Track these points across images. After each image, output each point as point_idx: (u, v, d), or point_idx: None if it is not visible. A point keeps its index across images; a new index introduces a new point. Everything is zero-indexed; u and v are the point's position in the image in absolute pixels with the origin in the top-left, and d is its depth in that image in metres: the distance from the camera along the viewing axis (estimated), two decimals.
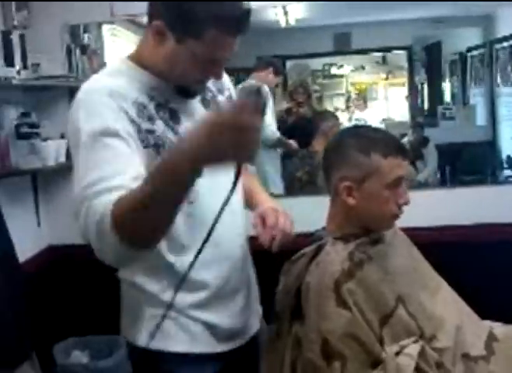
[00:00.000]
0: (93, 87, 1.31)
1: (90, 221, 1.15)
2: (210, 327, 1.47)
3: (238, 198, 1.50)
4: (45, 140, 2.46)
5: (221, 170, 1.09)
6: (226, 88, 1.56)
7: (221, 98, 1.53)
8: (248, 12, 1.28)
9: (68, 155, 2.53)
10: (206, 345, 1.47)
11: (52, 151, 2.45)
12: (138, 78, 1.35)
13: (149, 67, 1.35)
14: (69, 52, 2.69)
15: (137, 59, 1.37)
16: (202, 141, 1.02)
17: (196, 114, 1.42)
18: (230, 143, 1.01)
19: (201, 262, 1.20)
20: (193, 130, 1.08)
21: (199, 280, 1.42)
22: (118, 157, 1.22)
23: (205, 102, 1.47)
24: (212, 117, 1.06)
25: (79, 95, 1.30)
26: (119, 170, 1.19)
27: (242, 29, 1.29)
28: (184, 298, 1.41)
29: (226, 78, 1.55)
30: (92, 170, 1.20)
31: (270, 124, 3.19)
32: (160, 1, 1.30)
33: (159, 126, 1.33)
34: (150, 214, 1.11)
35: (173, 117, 1.37)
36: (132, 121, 1.29)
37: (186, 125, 1.38)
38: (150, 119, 1.32)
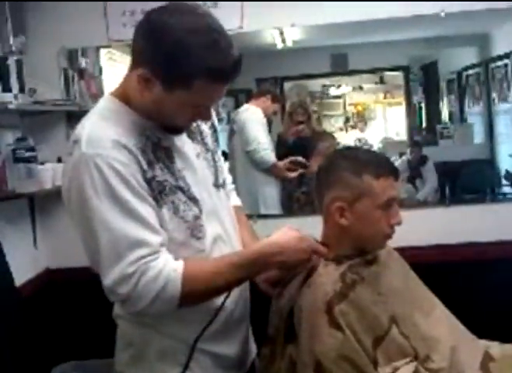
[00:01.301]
0: (96, 139, 1.24)
1: (148, 287, 1.21)
2: (219, 358, 1.44)
3: (236, 231, 1.54)
4: (42, 163, 2.47)
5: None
6: None
7: (204, 127, 1.52)
8: (240, 59, 1.25)
9: None
10: None
11: (49, 175, 2.45)
12: (131, 119, 1.31)
13: (137, 108, 1.31)
14: (66, 76, 2.71)
15: (123, 99, 1.32)
16: (288, 254, 1.34)
17: (185, 148, 1.41)
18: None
19: None
20: (282, 242, 1.35)
21: (213, 309, 1.39)
22: (144, 215, 1.24)
23: (191, 135, 1.45)
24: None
25: (83, 148, 1.23)
26: (151, 229, 1.24)
27: (233, 77, 1.25)
28: (196, 329, 1.38)
29: None
30: (125, 231, 1.21)
31: (266, 148, 3.20)
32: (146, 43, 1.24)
33: (157, 170, 1.30)
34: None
35: (168, 156, 1.35)
36: (143, 170, 1.27)
37: (179, 162, 1.36)
38: (150, 164, 1.29)
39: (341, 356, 1.34)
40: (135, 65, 1.26)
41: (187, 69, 1.20)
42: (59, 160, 2.60)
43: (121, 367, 1.48)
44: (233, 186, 1.69)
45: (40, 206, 2.65)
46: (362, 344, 1.36)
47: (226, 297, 1.37)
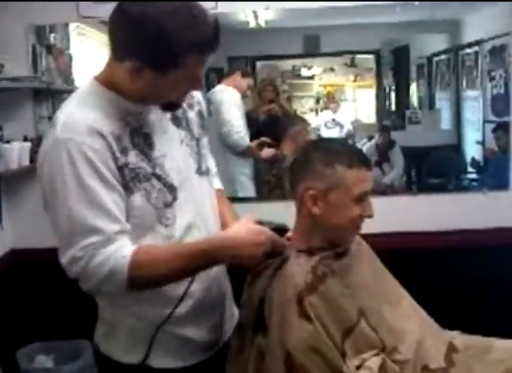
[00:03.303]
0: (71, 124, 1.28)
1: (95, 270, 1.26)
2: (185, 341, 1.47)
3: (216, 219, 1.55)
4: (8, 142, 2.41)
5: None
6: (196, 103, 1.57)
7: (191, 113, 1.54)
8: (217, 24, 1.29)
9: (32, 158, 2.50)
10: (177, 359, 1.47)
11: (15, 154, 2.40)
12: (113, 104, 1.33)
13: (122, 93, 1.33)
14: (34, 52, 2.64)
15: (108, 85, 1.35)
16: (243, 248, 1.33)
17: (168, 134, 1.43)
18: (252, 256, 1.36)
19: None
20: (237, 235, 1.34)
21: (177, 294, 1.42)
22: (106, 203, 1.27)
23: (176, 121, 1.47)
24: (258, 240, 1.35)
25: (57, 132, 1.27)
26: (110, 218, 1.28)
27: (217, 44, 1.29)
28: (161, 313, 1.42)
29: (196, 93, 1.56)
30: (83, 217, 1.26)
31: (240, 131, 3.18)
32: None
33: (132, 157, 1.33)
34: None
35: (147, 143, 1.37)
36: (114, 158, 1.30)
37: (159, 148, 1.39)
38: (124, 151, 1.32)
39: (311, 347, 1.36)
40: (120, 57, 1.29)
41: (174, 50, 1.24)
42: (25, 139, 2.55)
43: (98, 340, 1.55)
44: (215, 169, 1.71)
45: (5, 186, 2.61)
46: (332, 336, 1.38)
47: (190, 283, 1.39)
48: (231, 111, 3.19)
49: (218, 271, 1.51)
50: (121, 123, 1.33)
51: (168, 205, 1.38)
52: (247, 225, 1.38)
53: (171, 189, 1.39)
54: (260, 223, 1.41)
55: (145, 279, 1.31)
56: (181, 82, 1.31)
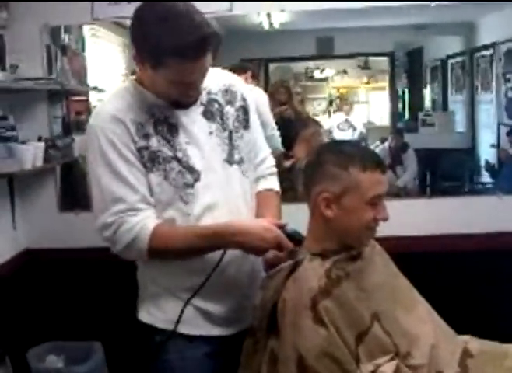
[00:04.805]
0: (100, 114, 1.56)
1: (122, 236, 1.50)
2: (203, 312, 1.61)
3: (248, 207, 1.67)
4: (23, 143, 2.42)
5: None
6: (238, 100, 1.69)
7: (229, 109, 1.66)
8: (206, 37, 1.42)
9: (46, 159, 2.51)
10: (196, 327, 1.61)
11: (29, 155, 2.40)
12: (141, 97, 1.56)
13: (147, 87, 1.56)
14: (49, 53, 2.65)
15: (139, 79, 1.58)
16: (248, 238, 1.50)
17: (196, 125, 1.59)
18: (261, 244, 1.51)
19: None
20: (247, 226, 1.52)
21: (195, 267, 1.57)
22: (127, 177, 1.51)
23: (208, 114, 1.62)
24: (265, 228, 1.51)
25: (90, 120, 1.58)
26: (132, 188, 1.51)
27: (199, 55, 1.43)
28: (179, 282, 1.60)
29: (240, 90, 1.70)
30: (109, 189, 1.51)
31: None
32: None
33: (154, 142, 1.54)
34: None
35: (171, 131, 1.56)
36: (133, 141, 1.52)
37: (183, 136, 1.56)
38: (146, 136, 1.54)
39: (324, 352, 1.36)
40: (135, 54, 1.50)
41: (158, 49, 1.41)
42: (39, 139, 2.56)
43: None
44: (271, 170, 1.81)
45: (19, 186, 2.61)
46: (346, 341, 1.37)
47: (218, 263, 1.54)
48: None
49: (243, 252, 1.58)
50: (146, 114, 1.55)
51: (189, 185, 1.55)
52: (262, 222, 1.55)
53: (192, 171, 1.56)
54: (280, 227, 1.54)
55: (162, 250, 1.53)
56: (171, 83, 1.48)
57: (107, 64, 3.12)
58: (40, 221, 2.66)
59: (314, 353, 1.35)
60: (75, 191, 2.78)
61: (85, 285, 2.64)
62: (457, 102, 3.98)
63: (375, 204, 1.48)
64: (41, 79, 2.52)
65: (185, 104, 1.59)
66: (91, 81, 2.92)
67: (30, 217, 2.66)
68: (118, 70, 3.19)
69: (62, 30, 2.77)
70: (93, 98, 2.96)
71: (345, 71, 4.46)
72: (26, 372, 2.44)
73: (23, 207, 2.65)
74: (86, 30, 2.89)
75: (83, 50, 2.91)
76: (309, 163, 1.57)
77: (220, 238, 1.52)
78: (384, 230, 1.54)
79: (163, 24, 1.41)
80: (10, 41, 2.42)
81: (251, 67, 3.44)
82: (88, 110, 2.87)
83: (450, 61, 3.98)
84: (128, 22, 1.49)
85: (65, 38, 2.79)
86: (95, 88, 2.92)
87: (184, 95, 1.56)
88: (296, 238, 1.55)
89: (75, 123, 2.81)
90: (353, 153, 1.50)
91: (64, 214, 2.68)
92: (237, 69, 3.39)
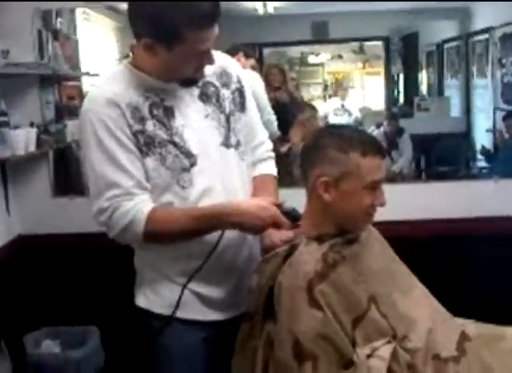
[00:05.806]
0: (94, 97, 1.52)
1: (118, 220, 1.48)
2: (200, 297, 1.60)
3: (244, 190, 1.65)
4: (14, 128, 2.40)
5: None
6: (233, 82, 1.66)
7: (225, 91, 1.63)
8: (215, 3, 1.41)
9: (38, 144, 2.49)
10: (193, 312, 1.60)
11: (21, 140, 2.38)
12: (137, 80, 1.52)
13: (145, 70, 1.52)
14: (41, 38, 2.61)
15: (134, 63, 1.54)
16: (244, 218, 1.48)
17: (192, 108, 1.56)
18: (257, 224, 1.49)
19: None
20: (243, 206, 1.50)
21: (192, 251, 1.56)
22: (122, 161, 1.48)
23: (204, 97, 1.59)
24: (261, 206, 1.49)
25: (84, 104, 1.53)
26: (127, 173, 1.49)
27: (215, 19, 1.42)
28: (177, 267, 1.58)
29: (235, 73, 1.67)
30: (104, 174, 1.48)
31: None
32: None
33: (150, 126, 1.51)
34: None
35: (167, 114, 1.53)
36: (128, 125, 1.49)
37: (179, 120, 1.53)
38: (141, 120, 1.50)
39: (321, 335, 1.35)
40: (136, 36, 1.47)
41: (175, 26, 1.38)
42: (31, 125, 2.53)
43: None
44: (269, 154, 1.78)
45: (12, 172, 2.59)
46: (342, 325, 1.36)
47: (215, 246, 1.52)
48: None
49: (241, 236, 1.59)
50: (141, 97, 1.51)
51: (185, 169, 1.53)
52: (258, 201, 1.54)
53: (188, 155, 1.53)
54: (277, 205, 1.52)
55: (158, 233, 1.51)
56: (189, 57, 1.45)
57: (100, 49, 3.09)
58: (34, 207, 2.64)
59: (310, 336, 1.35)
60: (68, 176, 2.76)
61: (81, 270, 2.63)
62: (452, 87, 3.97)
63: (373, 189, 1.47)
64: (33, 64, 2.48)
65: (196, 80, 1.57)
66: (83, 65, 2.89)
67: (24, 203, 2.64)
68: (111, 54, 3.16)
69: (54, 15, 2.73)
70: (86, 83, 2.93)
71: (340, 56, 4.45)
72: (23, 357, 2.44)
73: (17, 193, 2.62)
74: (78, 14, 2.86)
75: (75, 34, 2.88)
76: (307, 146, 1.55)
77: (216, 219, 1.50)
78: (379, 214, 1.54)
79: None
80: (1, 26, 2.38)
81: (243, 48, 3.37)
82: (80, 95, 2.85)
83: (446, 45, 3.97)
84: (122, 7, 1.46)
85: (57, 22, 2.75)
86: (87, 73, 2.88)
87: (200, 67, 1.52)
88: (293, 215, 1.53)
89: (67, 109, 2.78)
90: (354, 138, 1.48)
91: (57, 199, 2.65)
92: (229, 51, 3.36)
